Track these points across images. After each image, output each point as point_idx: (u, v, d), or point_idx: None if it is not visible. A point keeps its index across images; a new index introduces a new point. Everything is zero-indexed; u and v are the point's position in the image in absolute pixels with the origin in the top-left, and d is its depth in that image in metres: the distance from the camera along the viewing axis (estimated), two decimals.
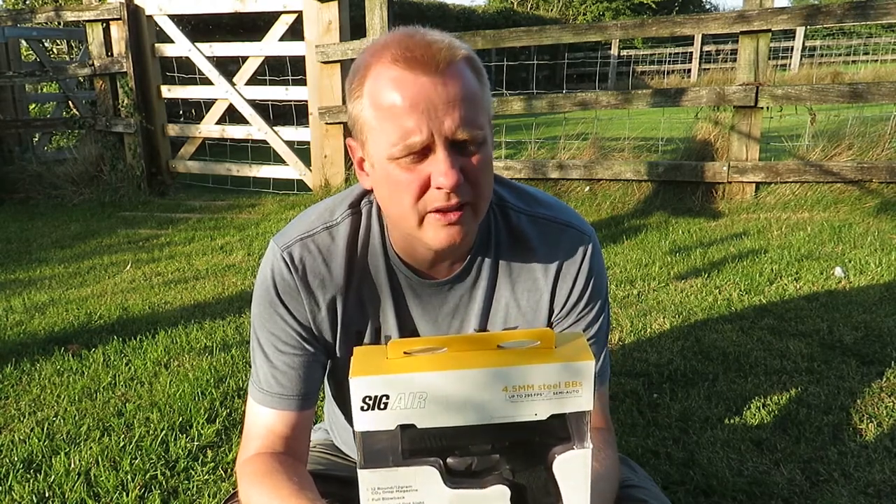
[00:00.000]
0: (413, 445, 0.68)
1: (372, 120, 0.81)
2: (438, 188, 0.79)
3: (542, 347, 0.69)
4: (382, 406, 0.66)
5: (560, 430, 0.69)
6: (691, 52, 16.46)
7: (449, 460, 0.69)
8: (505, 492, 0.69)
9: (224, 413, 1.86)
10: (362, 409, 0.67)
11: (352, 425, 1.12)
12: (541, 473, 0.70)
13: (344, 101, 1.04)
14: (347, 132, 0.89)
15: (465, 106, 0.79)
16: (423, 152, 0.79)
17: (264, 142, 5.44)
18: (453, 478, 0.69)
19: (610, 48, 17.34)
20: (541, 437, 0.69)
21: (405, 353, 0.69)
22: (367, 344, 0.97)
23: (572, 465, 0.69)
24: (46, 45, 8.35)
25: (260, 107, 5.41)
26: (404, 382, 0.66)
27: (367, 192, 0.95)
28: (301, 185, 5.37)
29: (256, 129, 5.38)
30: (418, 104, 0.77)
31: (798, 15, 3.96)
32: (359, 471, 0.68)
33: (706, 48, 16.34)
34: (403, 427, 0.67)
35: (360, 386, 0.66)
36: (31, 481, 1.56)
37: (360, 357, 0.70)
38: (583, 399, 0.67)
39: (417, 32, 0.81)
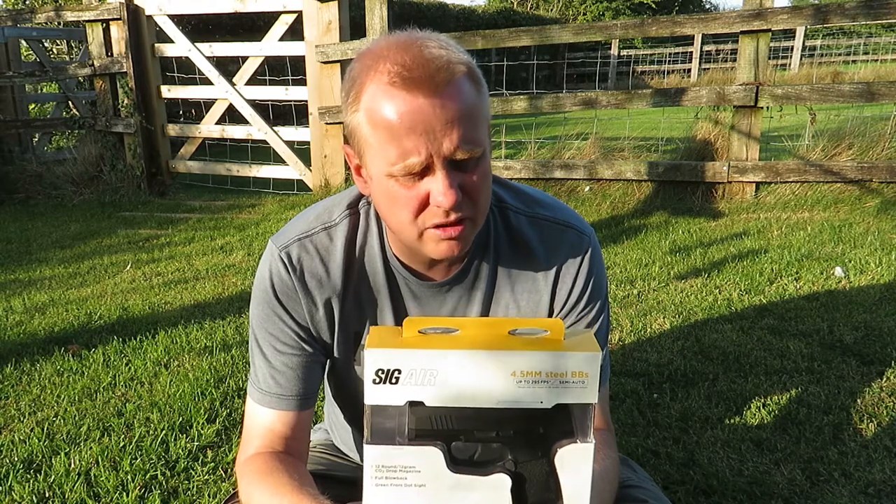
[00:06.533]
0: (420, 426, 0.70)
1: (370, 137, 0.80)
2: (438, 206, 0.79)
3: (552, 337, 0.71)
4: (394, 380, 0.68)
5: (564, 423, 0.71)
6: (691, 52, 16.46)
7: (454, 444, 0.71)
8: (506, 481, 0.71)
9: (224, 413, 1.87)
10: (374, 381, 0.68)
11: (350, 424, 1.12)
12: (543, 466, 0.71)
13: None
14: (344, 136, 0.89)
15: (463, 124, 0.77)
16: (422, 171, 0.78)
17: (264, 142, 5.44)
18: (456, 465, 0.71)
19: (610, 48, 17.34)
20: (545, 429, 0.71)
21: (420, 331, 0.71)
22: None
23: (574, 459, 0.71)
24: (46, 45, 8.33)
25: (260, 107, 5.41)
26: (417, 358, 0.68)
27: None
28: (301, 185, 5.37)
29: (256, 129, 5.39)
30: (416, 126, 0.75)
31: (800, 14, 3.96)
32: (365, 446, 0.69)
33: (706, 48, 16.34)
34: (412, 404, 0.69)
35: (374, 358, 0.68)
36: (31, 481, 1.56)
37: (377, 333, 0.73)
38: (588, 391, 0.69)
39: (414, 44, 0.78)
